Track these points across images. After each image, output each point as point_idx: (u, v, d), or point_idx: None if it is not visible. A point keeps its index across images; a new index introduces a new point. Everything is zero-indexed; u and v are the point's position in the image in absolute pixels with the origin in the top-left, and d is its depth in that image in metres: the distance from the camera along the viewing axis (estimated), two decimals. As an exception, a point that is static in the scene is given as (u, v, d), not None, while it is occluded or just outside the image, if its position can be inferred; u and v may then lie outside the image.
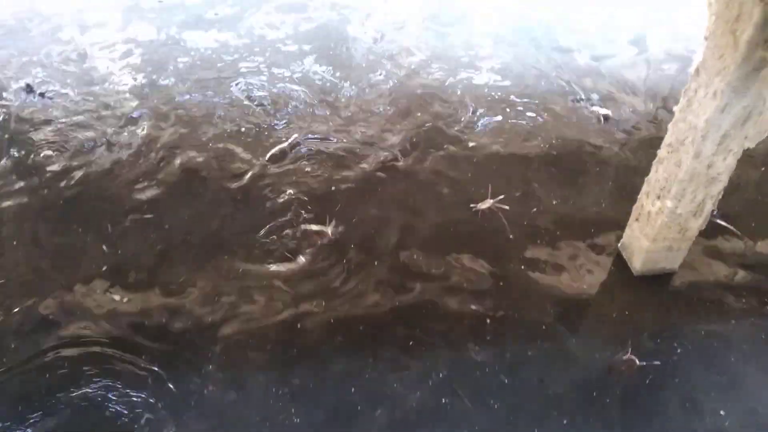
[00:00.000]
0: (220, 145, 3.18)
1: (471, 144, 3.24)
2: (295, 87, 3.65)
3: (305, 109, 3.48)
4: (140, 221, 2.75)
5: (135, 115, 3.40)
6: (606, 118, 3.43)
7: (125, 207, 2.81)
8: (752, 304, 2.46)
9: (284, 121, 3.37)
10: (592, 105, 3.56)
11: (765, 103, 1.78)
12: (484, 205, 2.85)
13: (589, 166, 3.13)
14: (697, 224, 2.30)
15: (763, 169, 3.12)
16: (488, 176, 3.03)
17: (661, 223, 2.28)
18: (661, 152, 2.19)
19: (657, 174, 2.24)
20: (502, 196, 2.86)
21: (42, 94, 3.50)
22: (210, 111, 3.44)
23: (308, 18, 4.46)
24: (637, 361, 2.18)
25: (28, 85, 3.56)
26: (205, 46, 4.08)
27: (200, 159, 3.09)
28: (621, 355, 2.21)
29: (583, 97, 3.64)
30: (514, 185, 2.98)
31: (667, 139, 2.13)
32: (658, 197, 2.24)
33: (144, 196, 2.88)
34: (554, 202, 2.90)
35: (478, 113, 3.47)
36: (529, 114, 3.48)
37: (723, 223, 2.76)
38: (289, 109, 3.47)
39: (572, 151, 3.22)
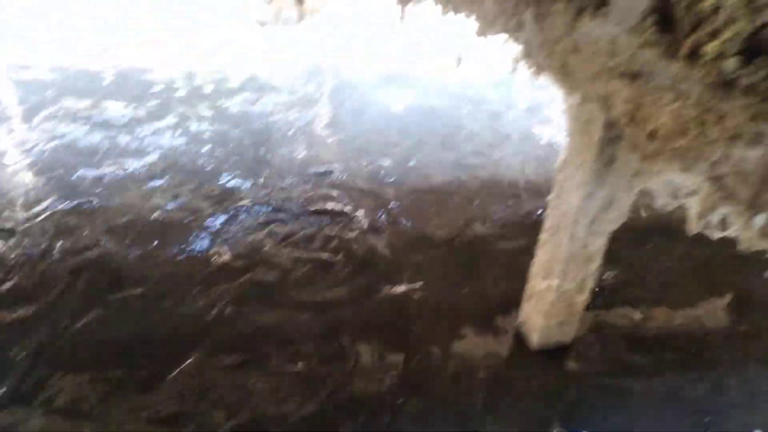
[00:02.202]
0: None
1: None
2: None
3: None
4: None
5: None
6: None
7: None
8: (645, 371, 2.68)
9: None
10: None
11: (621, 191, 2.04)
12: (399, 289, 2.99)
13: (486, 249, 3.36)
14: (582, 299, 2.51)
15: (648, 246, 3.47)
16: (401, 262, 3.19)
17: (550, 301, 2.48)
18: (543, 236, 2.42)
19: (541, 256, 2.46)
20: (419, 283, 3.02)
21: None
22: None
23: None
24: None
25: None
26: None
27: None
28: None
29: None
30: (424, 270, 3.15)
31: (547, 224, 2.37)
32: (545, 277, 2.45)
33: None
34: (455, 285, 3.07)
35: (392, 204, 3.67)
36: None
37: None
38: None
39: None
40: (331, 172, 3.96)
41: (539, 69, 2.07)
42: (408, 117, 4.78)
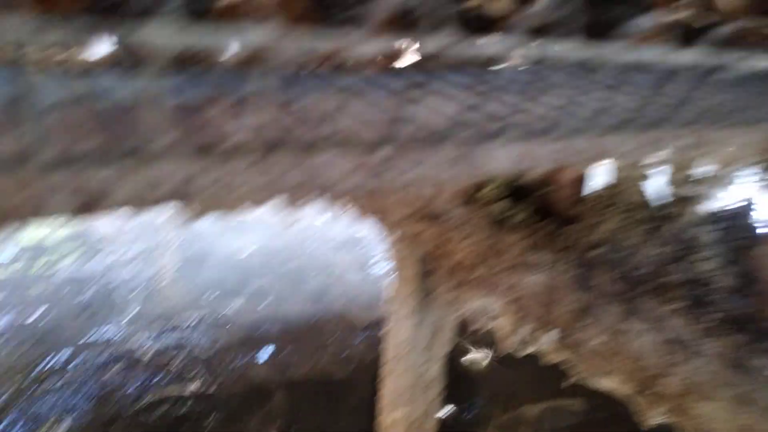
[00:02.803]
0: None
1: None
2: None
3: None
4: None
5: None
6: None
7: None
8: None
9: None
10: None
11: (444, 318, 2.21)
12: None
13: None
14: (431, 424, 2.58)
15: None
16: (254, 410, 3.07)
17: (403, 430, 2.52)
18: (386, 368, 2.50)
19: (387, 387, 2.53)
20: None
21: None
22: None
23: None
24: None
25: None
26: None
27: None
28: None
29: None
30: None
31: (387, 355, 2.46)
32: (393, 408, 2.50)
33: None
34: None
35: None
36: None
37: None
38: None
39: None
40: (176, 325, 3.84)
41: (363, 211, 2.25)
42: (254, 260, 4.83)
